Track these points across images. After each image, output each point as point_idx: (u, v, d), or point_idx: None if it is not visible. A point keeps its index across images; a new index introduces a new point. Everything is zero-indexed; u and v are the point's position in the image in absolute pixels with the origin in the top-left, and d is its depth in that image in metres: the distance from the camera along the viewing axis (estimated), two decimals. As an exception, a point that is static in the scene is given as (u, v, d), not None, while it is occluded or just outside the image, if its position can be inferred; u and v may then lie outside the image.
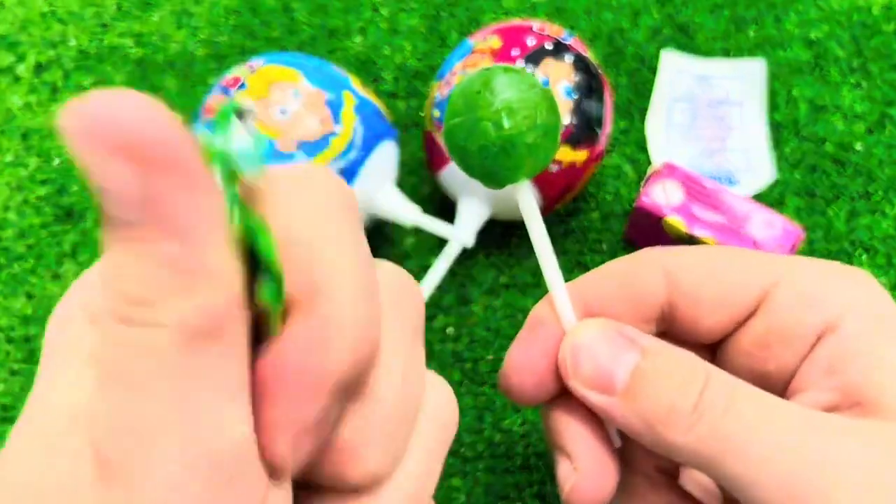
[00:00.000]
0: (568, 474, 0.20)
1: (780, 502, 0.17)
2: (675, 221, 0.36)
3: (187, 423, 0.12)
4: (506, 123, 0.19)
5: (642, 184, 0.38)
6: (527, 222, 0.22)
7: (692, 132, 0.45)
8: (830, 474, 0.17)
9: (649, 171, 0.39)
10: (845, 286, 0.20)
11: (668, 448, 0.18)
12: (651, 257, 0.20)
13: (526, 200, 0.22)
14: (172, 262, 0.11)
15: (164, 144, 0.11)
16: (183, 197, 0.11)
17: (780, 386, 0.20)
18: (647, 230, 0.38)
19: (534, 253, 0.21)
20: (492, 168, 0.20)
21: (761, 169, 0.43)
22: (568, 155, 0.35)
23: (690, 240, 0.36)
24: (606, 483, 0.20)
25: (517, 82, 0.20)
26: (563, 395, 0.20)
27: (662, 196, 0.37)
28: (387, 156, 0.36)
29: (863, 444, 0.17)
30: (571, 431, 0.20)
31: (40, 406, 0.13)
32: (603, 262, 0.23)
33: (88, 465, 0.12)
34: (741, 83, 0.46)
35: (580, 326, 0.19)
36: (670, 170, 0.38)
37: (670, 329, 0.21)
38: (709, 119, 0.45)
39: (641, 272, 0.20)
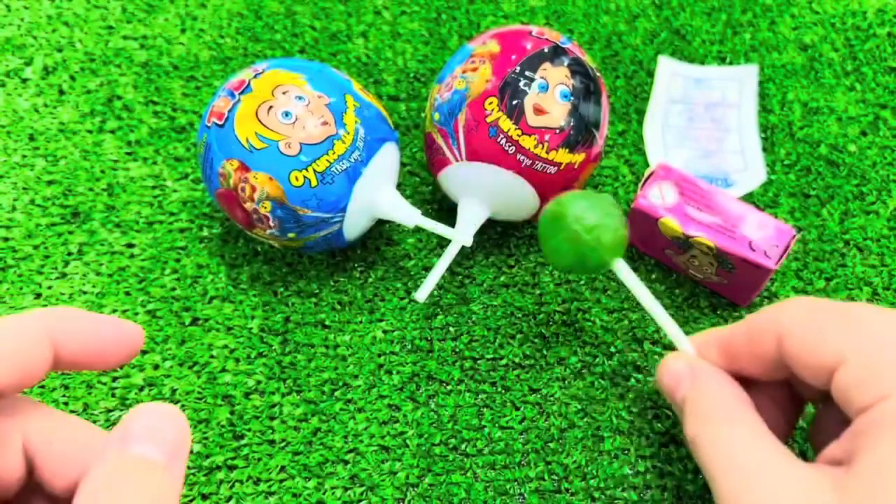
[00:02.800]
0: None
1: None
2: (670, 222, 0.37)
3: None
4: (593, 240, 0.31)
5: (639, 185, 0.38)
6: (632, 290, 0.32)
7: (688, 134, 0.45)
8: None
9: (646, 172, 0.39)
10: None
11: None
12: (770, 322, 0.28)
13: (624, 274, 0.32)
14: None
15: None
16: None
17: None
18: (645, 231, 0.39)
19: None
20: (587, 268, 0.32)
21: (756, 170, 0.44)
22: (565, 157, 0.36)
23: (686, 239, 0.37)
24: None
25: (595, 205, 0.31)
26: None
27: (658, 197, 0.38)
28: (388, 158, 0.37)
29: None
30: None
31: None
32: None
33: None
34: (736, 86, 0.47)
35: (671, 357, 0.31)
36: (666, 171, 0.38)
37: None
38: (705, 121, 0.46)
39: (761, 335, 0.28)
